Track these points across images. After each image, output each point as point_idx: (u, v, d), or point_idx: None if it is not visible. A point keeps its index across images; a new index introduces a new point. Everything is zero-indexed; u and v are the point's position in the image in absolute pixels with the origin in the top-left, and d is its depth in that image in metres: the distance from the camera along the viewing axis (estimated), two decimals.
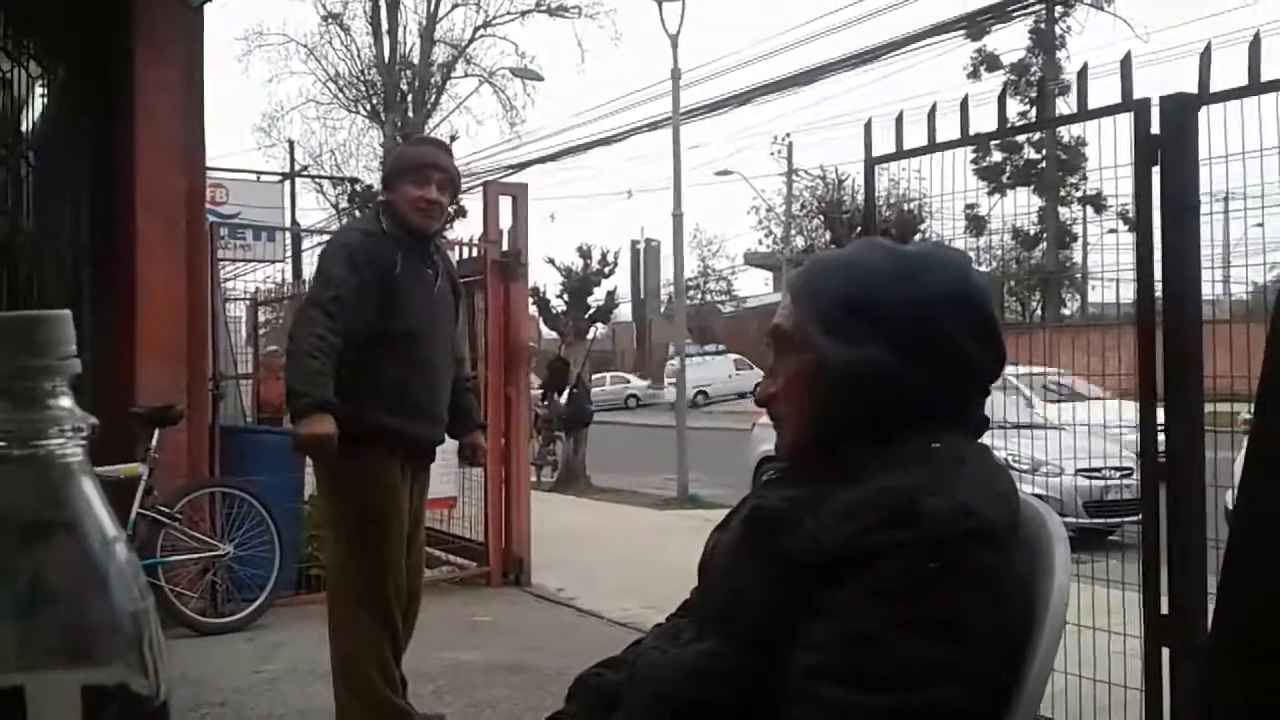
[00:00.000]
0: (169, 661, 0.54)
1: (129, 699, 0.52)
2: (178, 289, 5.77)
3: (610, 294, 16.63)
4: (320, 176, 28.73)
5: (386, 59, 28.24)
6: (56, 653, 0.52)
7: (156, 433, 5.35)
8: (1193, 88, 3.25)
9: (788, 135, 33.35)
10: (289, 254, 13.90)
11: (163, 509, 5.39)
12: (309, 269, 11.61)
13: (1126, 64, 3.43)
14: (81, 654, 0.52)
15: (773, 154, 34.17)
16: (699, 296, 40.89)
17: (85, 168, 6.07)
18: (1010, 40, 36.17)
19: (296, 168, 27.01)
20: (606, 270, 16.02)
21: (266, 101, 68.67)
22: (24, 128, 6.83)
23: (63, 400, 0.54)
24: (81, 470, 0.54)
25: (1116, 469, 7.44)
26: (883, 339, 1.30)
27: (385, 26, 28.22)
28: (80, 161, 6.09)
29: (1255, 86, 3.12)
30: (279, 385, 4.00)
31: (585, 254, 15.91)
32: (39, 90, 6.75)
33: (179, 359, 5.74)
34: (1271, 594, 0.93)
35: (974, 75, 33.01)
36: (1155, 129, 3.31)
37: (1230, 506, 3.01)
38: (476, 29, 28.75)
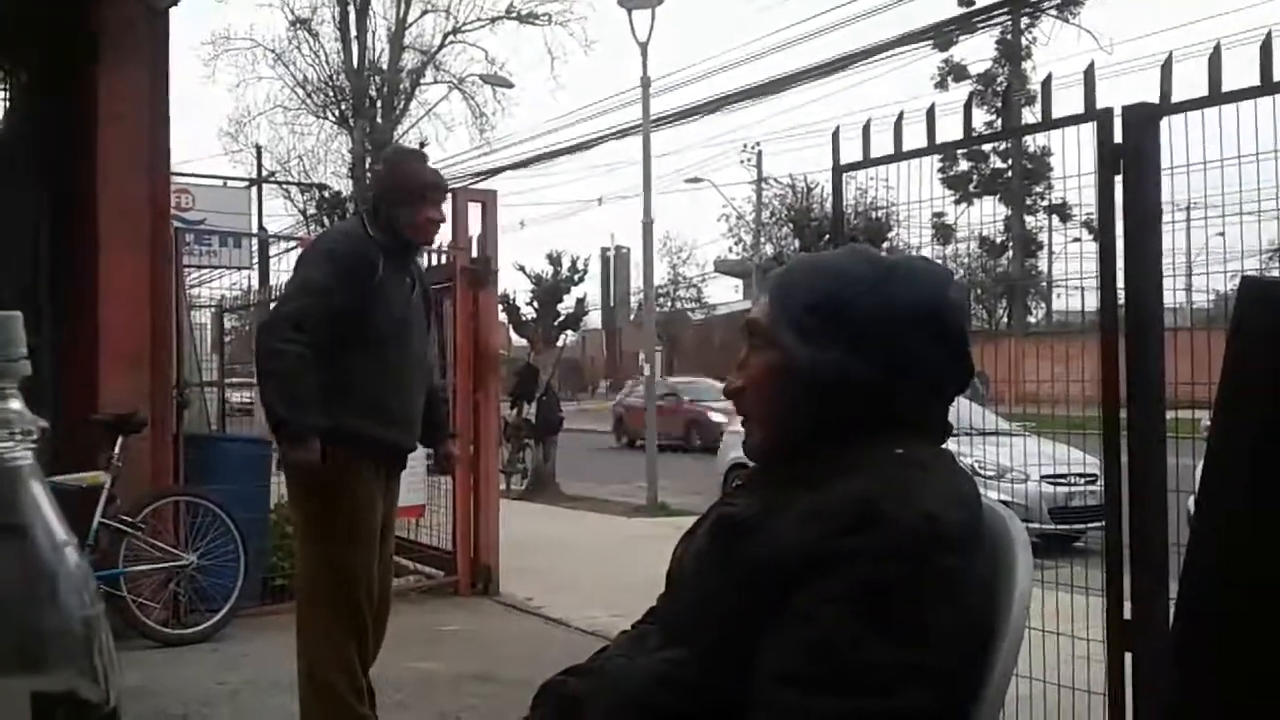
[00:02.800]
0: (119, 668, 0.52)
1: (78, 706, 0.51)
2: (141, 296, 5.70)
3: (580, 301, 16.54)
4: (288, 182, 28.51)
5: (355, 65, 28.04)
6: (5, 659, 0.51)
7: (119, 441, 5.29)
8: (1155, 98, 3.29)
9: (757, 143, 33.37)
10: (255, 260, 13.80)
11: (125, 518, 5.32)
12: (276, 275, 11.56)
13: (1090, 74, 3.46)
14: (30, 660, 0.51)
15: (743, 162, 34.14)
16: (669, 304, 40.94)
17: (47, 173, 5.99)
18: (977, 50, 36.49)
19: (264, 173, 26.87)
20: (576, 277, 15.95)
21: (233, 106, 67.87)
22: None
23: (11, 403, 0.53)
24: (31, 474, 0.53)
25: (1081, 475, 7.49)
26: (848, 345, 1.31)
27: (354, 32, 28.00)
28: (42, 167, 6.01)
29: (1216, 97, 3.15)
30: None
31: (555, 261, 15.81)
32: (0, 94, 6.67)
33: (142, 366, 5.67)
34: (1229, 591, 0.94)
35: (941, 85, 33.28)
36: (1118, 139, 3.33)
37: (1191, 511, 3.04)
38: (446, 35, 28.57)
